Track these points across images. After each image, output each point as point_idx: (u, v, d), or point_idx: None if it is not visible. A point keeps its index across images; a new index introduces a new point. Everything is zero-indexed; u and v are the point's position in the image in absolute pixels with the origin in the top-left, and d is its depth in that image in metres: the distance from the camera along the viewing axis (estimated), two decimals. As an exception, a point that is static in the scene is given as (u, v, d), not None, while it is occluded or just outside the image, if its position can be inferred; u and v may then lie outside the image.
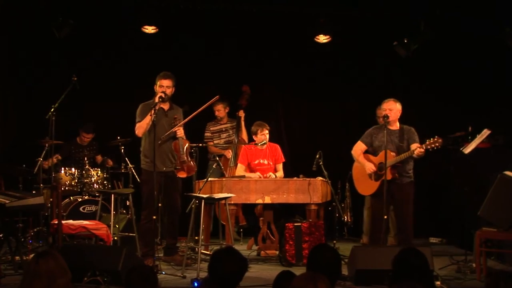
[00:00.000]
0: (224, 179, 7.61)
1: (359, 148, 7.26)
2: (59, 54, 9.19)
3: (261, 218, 7.94)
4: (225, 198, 6.98)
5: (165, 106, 7.14)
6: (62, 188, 7.92)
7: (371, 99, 8.43)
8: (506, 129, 8.16)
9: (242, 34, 9.59)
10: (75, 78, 7.49)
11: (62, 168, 8.47)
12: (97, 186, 8.49)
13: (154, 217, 6.83)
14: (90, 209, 8.22)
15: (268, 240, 7.84)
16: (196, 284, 5.74)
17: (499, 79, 9.04)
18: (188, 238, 7.05)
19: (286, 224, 7.22)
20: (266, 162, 8.05)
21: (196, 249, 7.11)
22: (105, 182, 8.60)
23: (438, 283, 5.69)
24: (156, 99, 6.94)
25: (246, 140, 8.62)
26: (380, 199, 6.87)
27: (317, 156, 7.33)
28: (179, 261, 6.97)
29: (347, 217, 9.31)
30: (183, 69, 8.45)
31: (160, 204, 7.62)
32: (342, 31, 9.44)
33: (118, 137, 8.65)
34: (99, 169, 8.62)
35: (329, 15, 9.30)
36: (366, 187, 7.21)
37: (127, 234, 7.31)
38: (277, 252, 7.50)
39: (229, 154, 8.73)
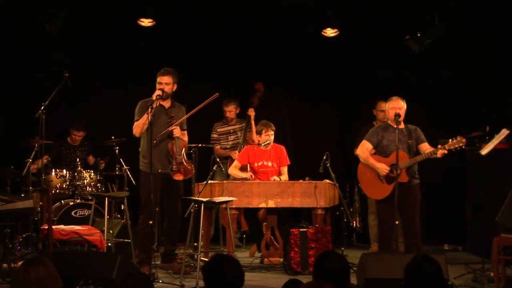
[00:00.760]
0: (225, 181, 7.62)
1: (365, 148, 7.24)
2: (49, 48, 9.20)
3: (264, 224, 7.93)
4: (226, 202, 6.98)
5: (166, 104, 7.15)
6: (53, 191, 7.94)
7: (382, 98, 8.43)
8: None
9: (244, 28, 9.60)
10: (67, 74, 7.51)
11: (53, 170, 8.49)
12: (90, 189, 8.50)
13: (151, 222, 6.83)
14: (83, 213, 8.23)
15: (272, 247, 7.83)
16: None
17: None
18: (187, 245, 7.04)
19: (291, 230, 7.22)
20: (270, 164, 8.05)
21: (195, 256, 7.12)
22: (98, 184, 8.61)
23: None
24: (154, 97, 6.95)
25: (256, 141, 8.62)
26: (389, 203, 6.87)
27: (324, 158, 7.33)
28: (177, 268, 6.98)
29: (356, 222, 9.31)
30: (182, 65, 8.45)
31: (157, 208, 7.63)
32: (350, 24, 9.44)
33: (113, 137, 8.65)
34: (92, 171, 8.64)
35: (337, 8, 9.31)
36: (376, 190, 7.19)
37: (122, 240, 7.32)
38: (282, 260, 7.50)
39: (235, 155, 8.75)
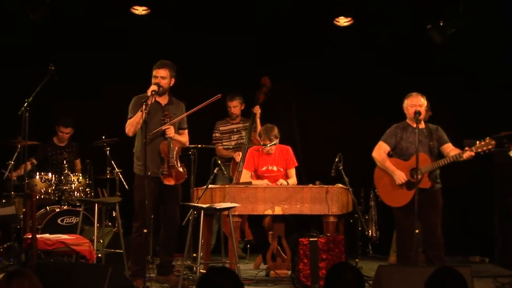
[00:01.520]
0: (227, 186, 7.61)
1: (382, 150, 7.24)
2: (33, 39, 9.21)
3: (271, 232, 7.94)
4: (228, 209, 6.98)
5: (163, 100, 7.14)
6: (37, 197, 7.93)
7: (400, 93, 8.42)
8: None
9: (249, 17, 9.60)
10: (53, 68, 7.52)
11: (37, 173, 8.49)
12: (78, 194, 8.51)
13: (145, 230, 6.83)
14: (70, 221, 8.24)
15: (279, 258, 7.84)
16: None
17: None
18: (185, 256, 7.05)
19: (300, 239, 7.20)
20: (275, 168, 8.04)
21: (194, 268, 7.12)
22: (87, 189, 8.61)
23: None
24: (149, 92, 6.93)
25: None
26: (408, 211, 6.86)
27: (336, 160, 7.33)
28: (174, 282, 6.98)
29: (371, 231, 9.31)
30: (181, 57, 8.45)
31: (152, 216, 7.63)
32: (365, 12, 9.44)
33: (103, 137, 8.66)
34: (80, 175, 8.65)
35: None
36: (395, 197, 7.18)
37: (113, 250, 7.32)
38: (289, 272, 7.50)
39: (238, 157, 8.75)
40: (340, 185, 7.51)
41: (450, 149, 7.01)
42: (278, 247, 7.84)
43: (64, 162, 8.68)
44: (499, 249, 8.66)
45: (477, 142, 6.75)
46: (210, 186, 7.44)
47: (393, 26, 9.61)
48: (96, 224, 7.18)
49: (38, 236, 6.67)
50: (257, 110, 8.98)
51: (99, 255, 7.15)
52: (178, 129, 7.26)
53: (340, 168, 7.31)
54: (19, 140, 7.83)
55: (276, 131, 7.92)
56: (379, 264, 6.43)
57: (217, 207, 6.98)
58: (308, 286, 7.04)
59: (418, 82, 8.50)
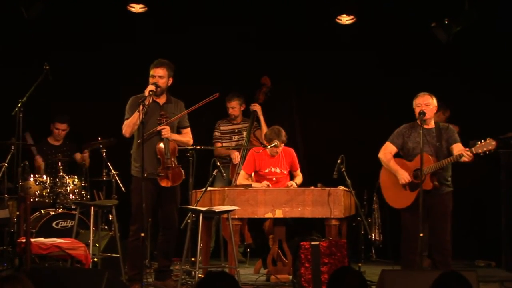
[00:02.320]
0: (226, 188, 7.61)
1: (388, 151, 7.24)
2: (28, 37, 9.20)
3: (271, 236, 7.94)
4: (227, 212, 6.98)
5: (160, 100, 7.14)
6: (31, 199, 7.93)
7: (404, 93, 8.42)
8: None
9: (249, 15, 9.60)
10: (47, 67, 7.51)
11: (31, 175, 8.47)
12: (73, 197, 8.50)
13: (143, 234, 6.82)
14: (65, 224, 8.24)
15: (280, 262, 7.84)
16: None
17: None
18: (184, 260, 7.05)
19: (301, 243, 7.19)
20: (278, 170, 8.05)
21: (193, 273, 7.11)
22: (83, 192, 8.61)
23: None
24: (146, 93, 6.93)
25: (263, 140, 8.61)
26: (414, 213, 6.85)
27: (339, 161, 7.32)
28: (172, 287, 6.98)
29: (375, 235, 9.28)
30: (179, 57, 8.46)
31: (150, 219, 7.62)
32: (368, 10, 9.44)
33: (99, 138, 8.66)
34: (75, 177, 8.63)
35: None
36: (398, 198, 7.18)
37: (109, 254, 7.32)
38: (290, 277, 7.50)
39: (235, 156, 8.76)
40: (342, 187, 7.51)
41: (459, 149, 6.96)
42: (279, 251, 7.83)
43: (59, 164, 8.65)
44: (506, 253, 8.64)
45: (478, 142, 6.71)
46: (209, 188, 7.45)
47: (396, 25, 9.60)
48: (92, 228, 7.18)
49: (32, 240, 6.66)
50: (257, 107, 8.98)
51: (95, 259, 7.16)
52: (179, 128, 7.26)
53: (343, 170, 7.30)
54: (13, 141, 7.82)
55: (284, 133, 7.94)
56: (382, 268, 6.44)
57: (217, 210, 6.98)
58: (310, 291, 7.04)
59: (422, 82, 8.51)
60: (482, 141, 6.68)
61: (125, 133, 7.10)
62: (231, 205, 7.14)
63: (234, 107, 9.07)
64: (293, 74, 9.96)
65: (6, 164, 8.17)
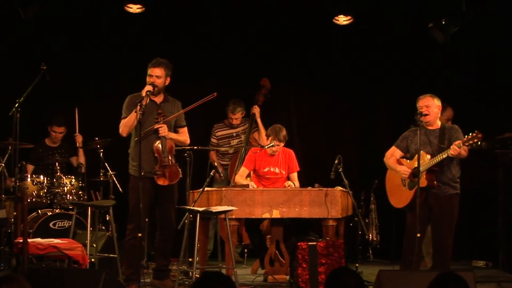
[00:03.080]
0: (223, 188, 7.61)
1: (391, 153, 7.24)
2: (25, 38, 9.20)
3: (268, 236, 7.94)
4: (225, 212, 6.98)
5: (157, 99, 7.14)
6: (28, 200, 7.93)
7: (402, 95, 8.45)
8: None
9: (247, 16, 9.59)
10: (45, 67, 7.50)
11: (28, 176, 8.46)
12: (70, 197, 8.49)
13: (140, 234, 6.82)
14: (62, 225, 8.23)
15: (277, 262, 7.83)
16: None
17: None
18: (181, 260, 7.05)
19: (299, 244, 7.20)
20: (277, 170, 8.05)
21: (190, 273, 7.11)
22: (80, 192, 8.60)
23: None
24: (143, 93, 6.93)
25: (262, 141, 8.61)
26: (413, 213, 6.85)
27: (336, 162, 7.33)
28: (170, 287, 6.97)
29: (372, 235, 9.31)
30: (176, 57, 8.46)
31: (147, 219, 7.62)
32: (365, 11, 9.44)
33: (97, 138, 8.65)
34: (73, 177, 8.62)
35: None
36: (398, 197, 7.20)
37: (106, 255, 7.31)
38: (288, 277, 7.50)
39: (214, 157, 8.81)
40: (339, 187, 7.51)
41: None
42: (276, 252, 7.83)
43: (56, 164, 8.65)
44: (503, 253, 8.65)
45: (465, 136, 6.68)
46: (206, 189, 7.45)
47: (394, 25, 9.60)
48: (89, 228, 7.17)
49: (29, 240, 6.65)
50: (256, 110, 8.98)
51: (92, 260, 7.14)
52: (176, 127, 7.26)
53: (340, 170, 7.30)
54: (10, 141, 7.82)
55: (284, 132, 7.94)
56: (379, 268, 6.45)
57: (214, 211, 6.98)
58: (307, 292, 7.05)
59: (420, 82, 8.52)
60: (470, 134, 6.65)
61: (122, 132, 7.11)
62: (228, 206, 7.14)
63: (237, 118, 9.09)
64: (292, 76, 9.95)
65: (3, 164, 8.17)
